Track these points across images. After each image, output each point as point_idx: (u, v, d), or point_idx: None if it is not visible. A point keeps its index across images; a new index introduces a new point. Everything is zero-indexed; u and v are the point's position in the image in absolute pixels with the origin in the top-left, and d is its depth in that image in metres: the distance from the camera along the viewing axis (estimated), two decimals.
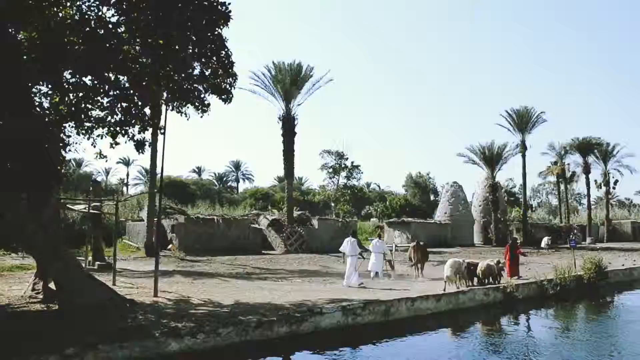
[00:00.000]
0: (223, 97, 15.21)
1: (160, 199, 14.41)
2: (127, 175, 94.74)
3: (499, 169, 50.26)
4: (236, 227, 35.91)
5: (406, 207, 77.52)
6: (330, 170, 45.16)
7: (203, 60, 14.51)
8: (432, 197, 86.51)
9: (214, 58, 14.57)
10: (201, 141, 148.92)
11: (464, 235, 48.61)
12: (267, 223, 38.69)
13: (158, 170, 34.26)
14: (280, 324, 10.06)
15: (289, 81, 37.06)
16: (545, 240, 43.38)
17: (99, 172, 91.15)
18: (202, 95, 15.18)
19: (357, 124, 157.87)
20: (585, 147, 55.23)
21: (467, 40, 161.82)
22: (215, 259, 29.53)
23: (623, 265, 25.99)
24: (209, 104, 15.50)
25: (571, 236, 54.33)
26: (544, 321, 14.58)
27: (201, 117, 16.01)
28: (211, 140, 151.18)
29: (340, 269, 24.64)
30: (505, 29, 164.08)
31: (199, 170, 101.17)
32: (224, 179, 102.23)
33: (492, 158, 49.58)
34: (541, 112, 49.61)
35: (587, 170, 55.87)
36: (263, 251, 36.06)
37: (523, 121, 49.71)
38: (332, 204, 45.70)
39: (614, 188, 58.23)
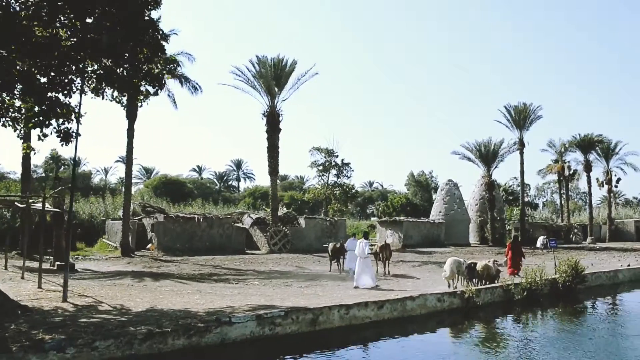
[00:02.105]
0: (156, 85, 14.11)
1: (72, 196, 13.23)
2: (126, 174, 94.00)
3: (496, 167, 48.94)
4: (219, 226, 34.96)
5: (407, 206, 76.40)
6: (320, 167, 43.88)
7: (131, 44, 13.40)
8: (433, 196, 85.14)
9: (144, 43, 13.47)
10: (202, 140, 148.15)
11: (458, 234, 47.34)
12: (251, 222, 37.63)
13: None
14: (176, 335, 8.84)
15: (272, 76, 36.07)
16: (540, 240, 41.92)
17: (98, 171, 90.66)
18: (137, 82, 14.06)
19: (359, 122, 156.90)
20: (587, 144, 53.63)
21: (468, 37, 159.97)
22: (191, 259, 28.67)
23: (629, 265, 24.85)
24: (144, 92, 14.43)
25: (572, 236, 53.42)
26: (490, 331, 13.14)
27: (140, 106, 14.93)
28: (213, 139, 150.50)
29: (315, 269, 23.58)
30: (505, 25, 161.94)
31: (199, 169, 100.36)
32: (225, 177, 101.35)
33: (488, 155, 48.17)
34: (538, 107, 48.16)
35: (588, 168, 54.25)
36: (247, 251, 35.11)
37: (521, 117, 48.25)
38: (334, 202, 44.33)
39: (616, 186, 56.59)
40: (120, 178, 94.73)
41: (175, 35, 31.06)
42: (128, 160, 31.71)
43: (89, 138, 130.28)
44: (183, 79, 31.80)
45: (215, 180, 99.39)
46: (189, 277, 19.74)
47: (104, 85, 13.81)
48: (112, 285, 15.77)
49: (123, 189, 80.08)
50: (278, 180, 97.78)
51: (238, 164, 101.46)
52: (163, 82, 14.10)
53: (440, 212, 48.69)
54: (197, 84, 32.25)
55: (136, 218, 37.21)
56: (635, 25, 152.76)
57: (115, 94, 14.61)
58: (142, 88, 14.48)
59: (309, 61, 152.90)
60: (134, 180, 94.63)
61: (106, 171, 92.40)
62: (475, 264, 16.82)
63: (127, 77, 13.81)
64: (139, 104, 14.51)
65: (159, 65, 14.39)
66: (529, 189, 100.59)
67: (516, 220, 52.26)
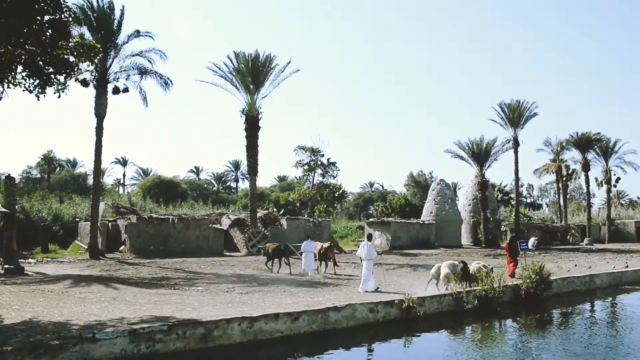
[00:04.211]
0: (64, 72, 12.87)
1: None
2: (124, 175, 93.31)
3: (489, 166, 47.43)
4: (195, 228, 33.85)
5: (406, 207, 75.06)
6: (305, 167, 42.58)
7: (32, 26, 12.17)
8: None
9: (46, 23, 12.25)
10: (202, 141, 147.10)
11: (450, 235, 45.83)
12: (229, 223, 36.37)
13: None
14: (19, 355, 7.56)
15: (249, 71, 34.83)
16: (531, 242, 40.15)
17: None
18: (45, 69, 12.84)
19: (360, 122, 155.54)
20: (584, 142, 51.88)
21: (467, 36, 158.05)
22: (161, 261, 27.66)
23: (627, 266, 23.62)
24: (56, 82, 13.19)
25: (569, 237, 51.71)
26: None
27: (59, 97, 13.69)
28: (212, 140, 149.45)
29: (281, 273, 22.35)
30: (504, 24, 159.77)
31: (196, 170, 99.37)
32: (223, 178, 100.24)
33: (480, 154, 46.61)
34: (533, 105, 46.56)
35: (586, 167, 52.47)
36: (226, 253, 33.98)
37: (515, 115, 46.64)
38: (321, 202, 43.04)
39: (615, 186, 54.75)
40: (117, 179, 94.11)
41: (151, 38, 30.64)
42: (97, 158, 30.47)
43: (84, 139, 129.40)
44: (155, 75, 30.97)
45: (213, 181, 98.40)
46: (135, 281, 18.58)
47: (11, 71, 12.64)
48: (31, 291, 14.61)
49: (123, 191, 79.37)
50: (278, 182, 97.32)
51: (236, 165, 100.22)
52: (75, 69, 12.89)
53: (431, 212, 47.24)
54: (168, 79, 31.27)
55: (110, 219, 36.20)
56: (634, 22, 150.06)
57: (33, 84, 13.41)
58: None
59: (307, 60, 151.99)
60: (131, 181, 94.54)
61: (103, 173, 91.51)
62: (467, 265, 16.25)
63: (38, 64, 12.68)
64: (57, 95, 13.20)
65: (76, 51, 13.22)
66: (532, 190, 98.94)
67: (508, 220, 50.75)
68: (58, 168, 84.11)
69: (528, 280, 15.72)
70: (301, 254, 21.70)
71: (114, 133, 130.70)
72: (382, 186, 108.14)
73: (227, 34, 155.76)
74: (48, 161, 72.22)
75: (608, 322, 14.97)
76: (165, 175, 77.41)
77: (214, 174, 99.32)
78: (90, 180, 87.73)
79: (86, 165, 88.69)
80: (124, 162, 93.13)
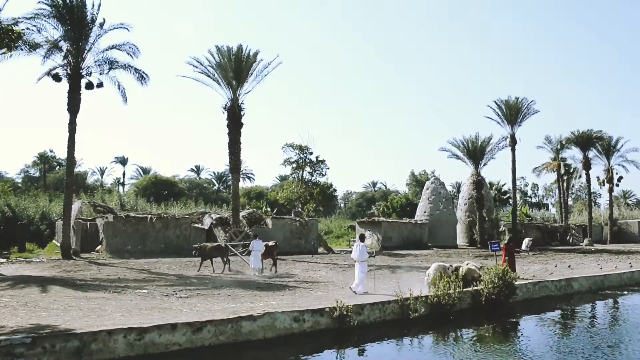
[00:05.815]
0: None
1: None
2: (124, 174, 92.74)
3: (485, 164, 46.12)
4: (175, 227, 33.02)
5: (407, 206, 73.84)
6: (294, 165, 41.45)
7: None
8: None
9: None
10: (203, 141, 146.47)
11: (444, 235, 44.52)
12: (210, 222, 35.33)
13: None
14: None
15: (232, 66, 33.76)
16: (525, 242, 38.82)
17: (94, 172, 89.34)
18: None
19: (364, 122, 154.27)
20: (585, 141, 50.25)
21: (468, 35, 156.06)
22: (133, 262, 26.93)
23: (634, 268, 22.67)
24: None
25: (568, 237, 50.11)
26: None
27: None
28: (212, 139, 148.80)
29: (246, 275, 21.47)
30: (502, 22, 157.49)
31: (197, 170, 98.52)
32: (224, 178, 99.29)
33: (475, 152, 45.20)
34: (531, 102, 45.07)
35: (587, 166, 50.84)
36: None
37: (512, 112, 45.20)
38: (311, 201, 41.93)
39: (617, 185, 53.01)
40: (116, 178, 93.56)
41: (127, 29, 29.79)
42: (69, 155, 29.64)
43: (83, 137, 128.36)
44: (130, 69, 30.15)
45: (214, 180, 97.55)
46: (83, 284, 17.68)
47: None
48: None
49: (123, 191, 78.83)
50: (279, 181, 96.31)
51: None
52: None
53: (425, 212, 45.94)
54: (144, 73, 30.43)
55: (89, 218, 35.38)
56: (635, 20, 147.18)
57: None
58: None
59: (310, 59, 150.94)
60: (133, 181, 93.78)
61: (102, 171, 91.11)
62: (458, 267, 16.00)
63: None
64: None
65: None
66: (537, 189, 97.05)
67: (505, 220, 49.28)
68: (58, 167, 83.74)
69: (490, 285, 14.39)
70: (249, 252, 22.04)
71: (114, 133, 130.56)
72: (385, 186, 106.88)
73: (228, 33, 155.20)
74: (44, 160, 71.70)
75: (563, 334, 13.59)
76: (163, 175, 76.82)
77: (214, 173, 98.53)
78: (89, 180, 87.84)
79: (85, 164, 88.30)
80: (123, 161, 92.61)
